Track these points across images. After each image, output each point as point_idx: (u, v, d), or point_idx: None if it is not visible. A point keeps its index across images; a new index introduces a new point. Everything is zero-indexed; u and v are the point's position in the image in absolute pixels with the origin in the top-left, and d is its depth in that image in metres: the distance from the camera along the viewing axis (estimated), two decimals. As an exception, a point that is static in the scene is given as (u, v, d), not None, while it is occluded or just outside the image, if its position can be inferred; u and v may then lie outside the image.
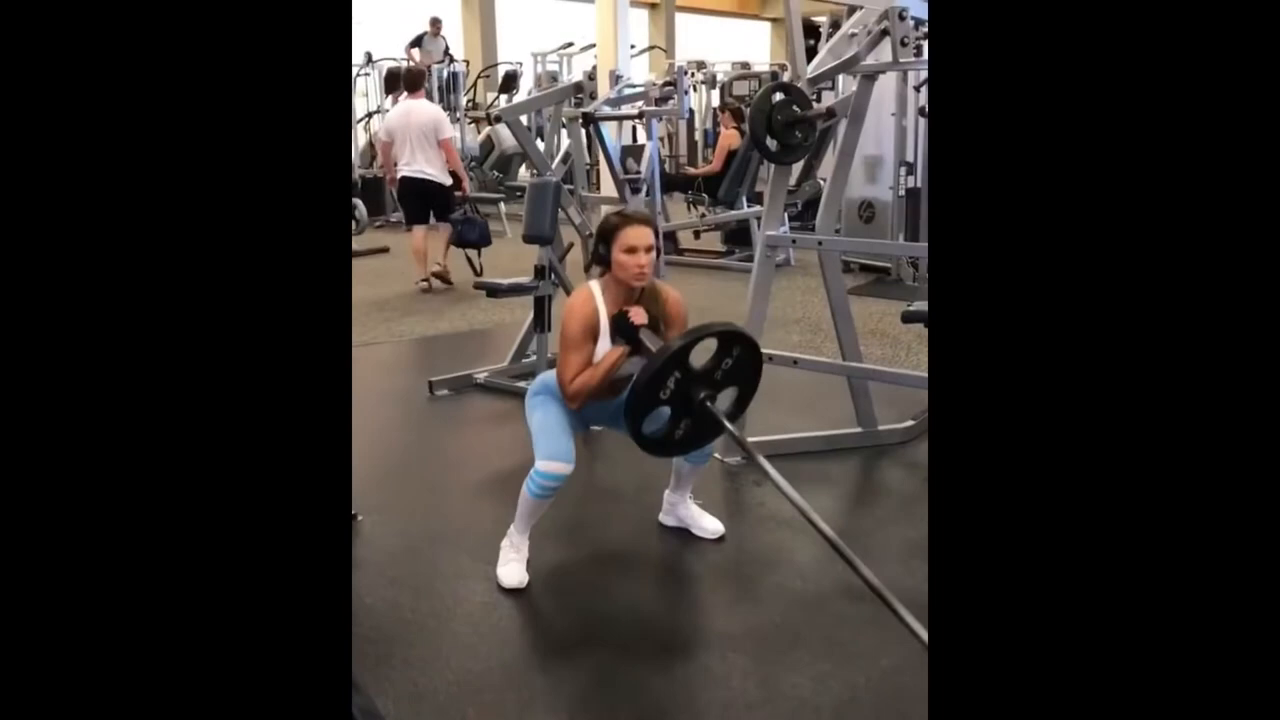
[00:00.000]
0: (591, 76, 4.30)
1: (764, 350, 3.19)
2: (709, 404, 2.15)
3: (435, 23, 11.24)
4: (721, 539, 2.59)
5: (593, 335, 2.34)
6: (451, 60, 11.22)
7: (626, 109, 4.66)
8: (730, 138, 7.64)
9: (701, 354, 2.13)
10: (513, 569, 2.39)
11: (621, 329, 2.33)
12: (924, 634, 1.74)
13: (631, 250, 2.29)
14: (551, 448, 2.30)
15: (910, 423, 3.36)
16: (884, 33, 3.00)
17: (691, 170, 8.78)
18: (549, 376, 2.45)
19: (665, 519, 2.69)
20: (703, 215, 7.50)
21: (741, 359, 2.20)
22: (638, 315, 2.31)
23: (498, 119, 4.19)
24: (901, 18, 2.94)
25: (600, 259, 2.36)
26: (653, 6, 16.57)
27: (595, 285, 2.38)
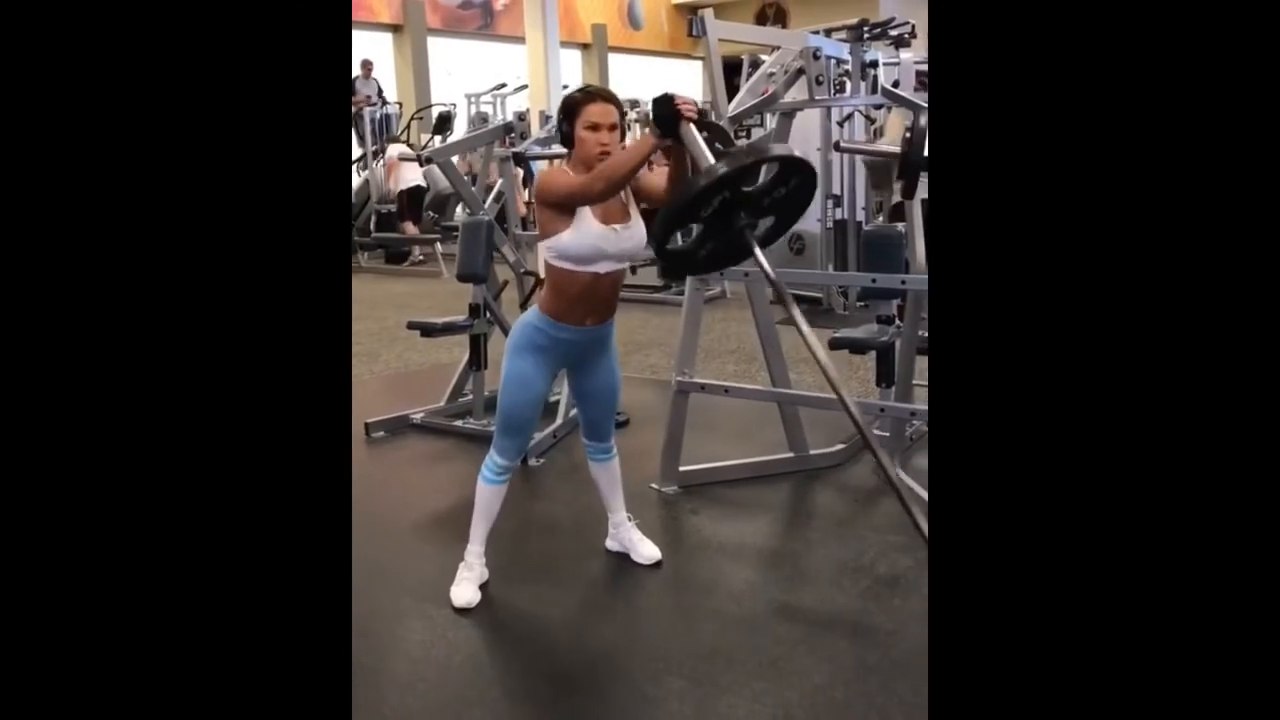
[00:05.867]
0: (522, 117, 4.36)
1: (697, 380, 3.26)
2: (748, 232, 1.97)
3: (366, 65, 11.29)
4: (658, 565, 2.63)
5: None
6: (384, 102, 11.24)
7: (557, 148, 4.74)
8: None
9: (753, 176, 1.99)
10: (464, 588, 2.44)
11: (662, 117, 1.96)
12: (924, 527, 1.72)
13: (594, 128, 2.15)
14: (508, 445, 2.38)
15: (840, 446, 3.44)
16: (800, 71, 3.12)
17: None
18: (532, 315, 2.29)
19: (610, 543, 2.74)
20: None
21: (795, 190, 2.01)
22: (686, 104, 1.98)
23: (428, 160, 4.23)
24: (816, 57, 3.06)
25: (564, 137, 2.22)
26: (585, 47, 16.80)
27: (567, 168, 2.25)
